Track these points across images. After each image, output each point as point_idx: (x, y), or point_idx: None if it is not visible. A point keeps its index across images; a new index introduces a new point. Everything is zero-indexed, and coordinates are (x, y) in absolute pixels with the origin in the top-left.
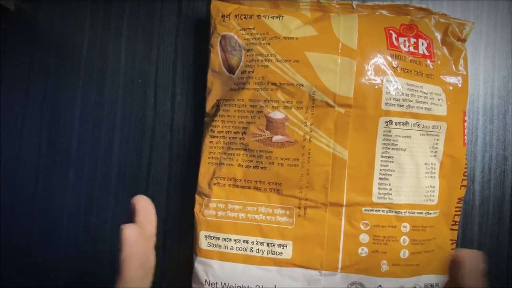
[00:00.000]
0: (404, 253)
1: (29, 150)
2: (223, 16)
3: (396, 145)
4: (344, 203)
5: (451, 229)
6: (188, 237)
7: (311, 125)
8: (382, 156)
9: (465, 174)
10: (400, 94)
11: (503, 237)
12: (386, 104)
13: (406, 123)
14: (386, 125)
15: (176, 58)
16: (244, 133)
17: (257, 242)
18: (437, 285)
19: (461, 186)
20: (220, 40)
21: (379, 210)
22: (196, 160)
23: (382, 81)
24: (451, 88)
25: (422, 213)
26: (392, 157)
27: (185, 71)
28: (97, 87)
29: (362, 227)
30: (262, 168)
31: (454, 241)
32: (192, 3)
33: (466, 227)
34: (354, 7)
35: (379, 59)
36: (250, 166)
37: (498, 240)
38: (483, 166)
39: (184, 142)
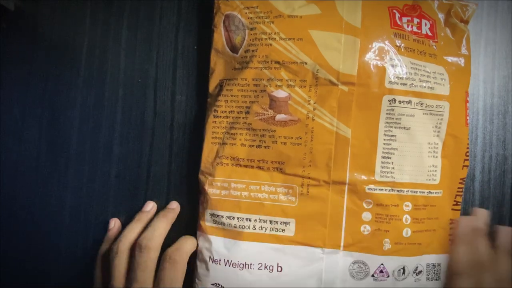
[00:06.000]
0: (407, 232)
1: (29, 150)
2: None
3: (399, 123)
4: (347, 181)
5: (452, 209)
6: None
7: (314, 103)
8: (385, 135)
9: (467, 154)
10: (404, 72)
11: None
12: (390, 82)
13: (410, 101)
14: (390, 104)
15: (176, 58)
16: (247, 112)
17: (260, 220)
18: (438, 265)
19: (463, 166)
20: (224, 20)
21: (382, 189)
22: (196, 160)
23: (385, 59)
24: (454, 68)
25: (424, 192)
26: (395, 135)
27: (185, 71)
28: (97, 87)
29: (364, 205)
30: (265, 147)
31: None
32: (192, 3)
33: None
34: None
35: (382, 38)
36: (253, 146)
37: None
38: (483, 166)
39: (184, 142)
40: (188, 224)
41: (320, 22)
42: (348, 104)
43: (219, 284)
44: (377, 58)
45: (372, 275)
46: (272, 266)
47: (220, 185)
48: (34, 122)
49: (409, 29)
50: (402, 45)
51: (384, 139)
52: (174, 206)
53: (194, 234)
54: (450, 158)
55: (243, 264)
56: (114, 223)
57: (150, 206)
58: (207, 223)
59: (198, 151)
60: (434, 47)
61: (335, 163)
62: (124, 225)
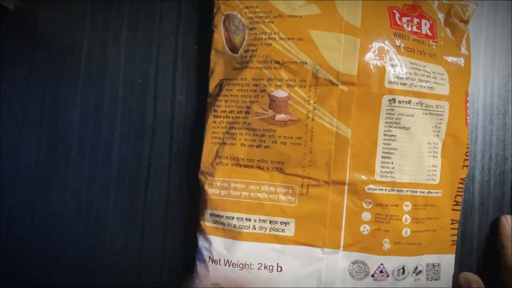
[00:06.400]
0: (406, 232)
1: (29, 150)
2: None
3: (399, 123)
4: (347, 181)
5: (452, 209)
6: (188, 237)
7: (314, 103)
8: (385, 135)
9: (467, 154)
10: (404, 72)
11: None
12: (390, 82)
13: (409, 101)
14: (389, 104)
15: (176, 58)
16: (247, 112)
17: (259, 220)
18: (438, 265)
19: (463, 166)
20: (224, 20)
21: (381, 189)
22: (196, 160)
23: (385, 59)
24: (453, 68)
25: (424, 192)
26: (395, 135)
27: (185, 71)
28: (97, 87)
29: (364, 205)
30: (265, 147)
31: (455, 221)
32: (192, 3)
33: (466, 227)
34: None
35: (382, 38)
36: (253, 146)
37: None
38: (483, 166)
39: (184, 142)
40: (188, 224)
41: (320, 22)
42: (348, 104)
43: (219, 284)
44: (377, 58)
45: (372, 275)
46: (272, 266)
47: (220, 185)
48: (34, 122)
49: (409, 29)
50: (402, 45)
51: (384, 139)
52: None
53: (194, 234)
54: (450, 158)
55: (243, 264)
56: None
57: None
58: (207, 223)
59: (198, 151)
60: (434, 47)
61: (335, 163)
62: (124, 224)
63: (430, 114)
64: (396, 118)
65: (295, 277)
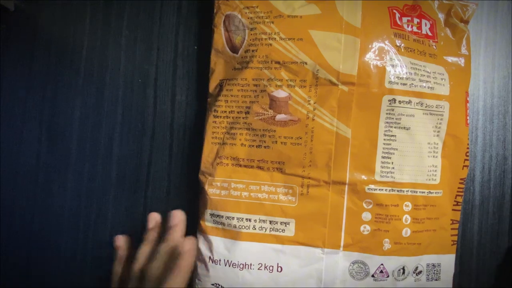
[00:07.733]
0: (406, 232)
1: (29, 150)
2: None
3: (399, 123)
4: (347, 181)
5: (452, 210)
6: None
7: (314, 103)
8: (385, 135)
9: (467, 154)
10: (404, 72)
11: (503, 236)
12: (390, 82)
13: (410, 101)
14: (390, 104)
15: (176, 58)
16: (248, 112)
17: (260, 220)
18: (438, 265)
19: (464, 166)
20: (224, 20)
21: (381, 189)
22: (196, 160)
23: (385, 59)
24: (454, 68)
25: (424, 192)
26: (395, 135)
27: (185, 70)
28: (97, 87)
29: (364, 205)
30: (265, 147)
31: (455, 222)
32: (192, 3)
33: (466, 227)
34: None
35: (382, 38)
36: (253, 146)
37: (498, 240)
38: (483, 166)
39: (184, 142)
40: (188, 224)
41: (320, 22)
42: (348, 104)
43: (219, 284)
44: (377, 58)
45: (372, 275)
46: (272, 266)
47: (220, 185)
48: (34, 122)
49: (409, 29)
50: (402, 45)
51: (384, 139)
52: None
53: (194, 234)
54: (450, 158)
55: (243, 264)
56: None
57: (153, 223)
58: (207, 223)
59: (198, 151)
60: (434, 47)
61: (335, 163)
62: (124, 224)
63: (430, 114)
64: (396, 118)
65: (295, 277)
